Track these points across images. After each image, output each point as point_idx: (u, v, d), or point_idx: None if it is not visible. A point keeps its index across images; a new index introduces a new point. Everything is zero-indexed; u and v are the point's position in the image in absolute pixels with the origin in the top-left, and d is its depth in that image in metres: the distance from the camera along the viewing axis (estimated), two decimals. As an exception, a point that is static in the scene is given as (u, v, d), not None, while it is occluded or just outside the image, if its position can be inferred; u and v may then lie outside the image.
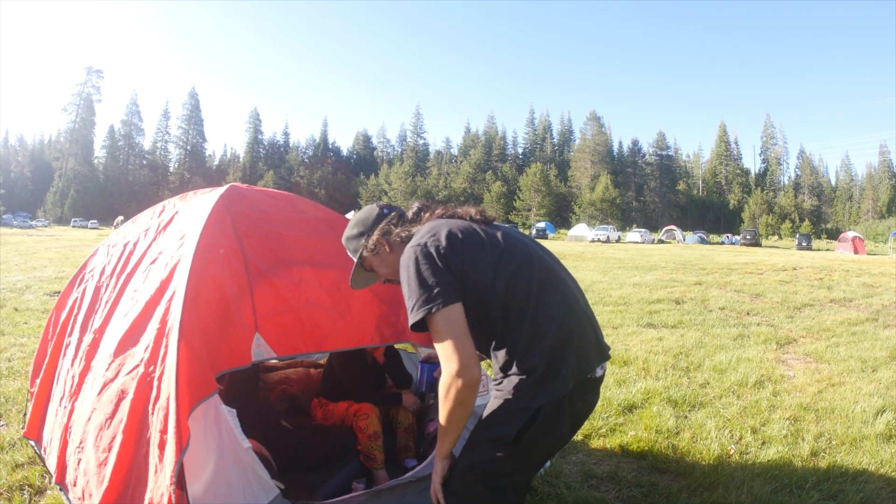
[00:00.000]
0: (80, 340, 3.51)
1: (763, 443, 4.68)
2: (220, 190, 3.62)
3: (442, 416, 2.06)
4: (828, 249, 51.75)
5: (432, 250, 2.12)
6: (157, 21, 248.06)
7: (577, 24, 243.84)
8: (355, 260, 2.50)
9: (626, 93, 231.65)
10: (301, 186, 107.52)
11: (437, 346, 2.02)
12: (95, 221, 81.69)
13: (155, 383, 2.62)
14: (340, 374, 4.22)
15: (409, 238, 2.33)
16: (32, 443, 3.92)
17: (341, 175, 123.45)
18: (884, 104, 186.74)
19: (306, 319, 3.46)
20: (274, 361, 5.12)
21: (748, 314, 11.17)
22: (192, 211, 3.52)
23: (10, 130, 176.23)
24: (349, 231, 2.51)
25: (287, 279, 3.47)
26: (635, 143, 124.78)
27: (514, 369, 2.10)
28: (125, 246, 3.77)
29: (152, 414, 2.57)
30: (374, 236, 2.41)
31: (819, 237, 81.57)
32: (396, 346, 4.37)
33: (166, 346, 2.65)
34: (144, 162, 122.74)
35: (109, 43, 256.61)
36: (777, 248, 55.20)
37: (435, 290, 2.03)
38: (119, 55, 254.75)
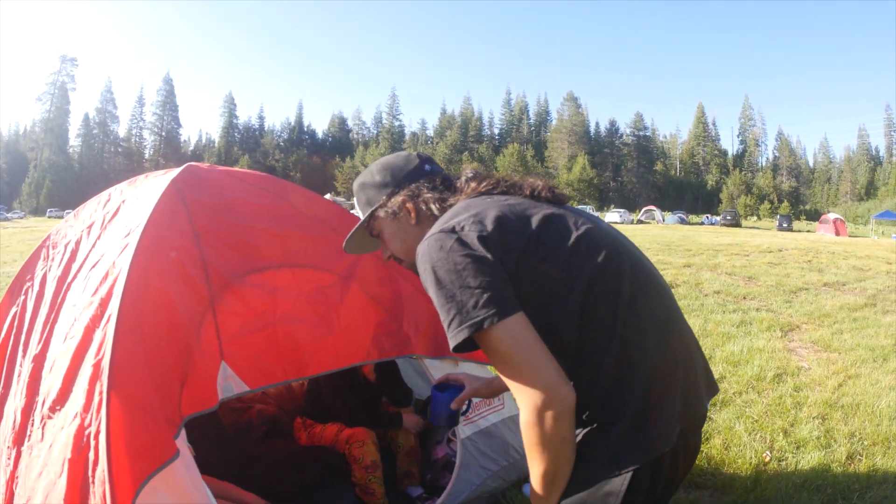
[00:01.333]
0: (21, 367, 2.76)
1: (798, 447, 4.40)
2: (174, 172, 2.83)
3: (539, 467, 1.45)
4: (808, 231, 52.12)
5: (472, 238, 1.48)
6: (131, 7, 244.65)
7: (553, 4, 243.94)
8: (362, 217, 1.84)
9: (603, 74, 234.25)
10: (277, 170, 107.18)
11: (503, 373, 1.44)
12: (70, 211, 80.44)
13: (92, 442, 1.92)
14: (328, 395, 3.61)
15: (442, 212, 1.69)
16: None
17: (317, 158, 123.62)
18: (863, 88, 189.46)
19: (284, 338, 2.72)
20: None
21: (745, 298, 10.92)
22: (140, 200, 2.74)
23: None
24: (369, 176, 1.84)
25: (259, 287, 2.71)
26: (612, 123, 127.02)
27: (595, 415, 1.48)
28: (66, 247, 3.00)
29: (93, 483, 1.87)
30: (402, 195, 1.76)
31: (798, 218, 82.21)
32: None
33: (100, 393, 1.95)
34: (119, 149, 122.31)
35: (83, 30, 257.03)
36: (757, 228, 55.28)
37: (484, 296, 1.40)
38: (93, 42, 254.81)
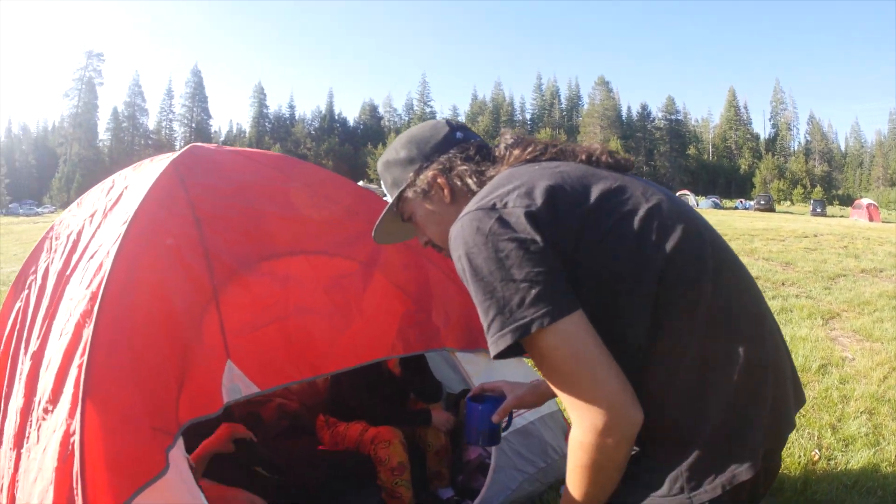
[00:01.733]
0: (22, 365, 2.56)
1: (846, 444, 4.24)
2: (176, 153, 2.58)
3: (581, 489, 1.22)
4: (842, 216, 51.25)
5: (517, 215, 1.20)
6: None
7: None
8: (390, 199, 1.58)
9: (634, 57, 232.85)
10: (309, 158, 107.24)
11: (556, 384, 1.18)
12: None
13: (76, 452, 1.71)
14: (348, 392, 3.37)
15: (481, 186, 1.41)
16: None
17: (348, 146, 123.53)
18: (894, 72, 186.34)
19: (297, 332, 2.46)
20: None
21: (783, 284, 10.73)
22: (140, 186, 2.48)
23: (13, 119, 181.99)
24: (393, 153, 1.57)
25: (269, 276, 2.46)
26: (644, 107, 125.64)
27: (667, 433, 1.22)
28: (68, 237, 2.80)
29: (77, 496, 1.67)
30: (431, 170, 1.49)
31: (831, 203, 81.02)
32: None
33: (82, 399, 1.74)
34: (149, 142, 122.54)
35: (108, 26, 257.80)
36: (791, 213, 54.77)
37: (532, 291, 1.13)
38: (119, 37, 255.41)
